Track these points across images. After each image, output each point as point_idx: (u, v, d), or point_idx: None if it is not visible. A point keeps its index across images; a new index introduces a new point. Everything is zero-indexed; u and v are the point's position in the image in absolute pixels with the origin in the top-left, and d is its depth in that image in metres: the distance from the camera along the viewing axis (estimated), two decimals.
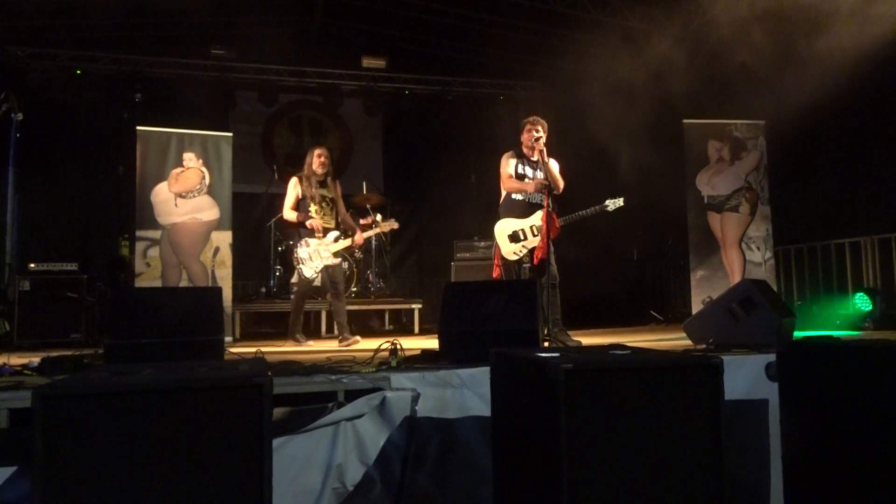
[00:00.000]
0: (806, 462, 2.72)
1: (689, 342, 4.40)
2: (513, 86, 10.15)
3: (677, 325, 6.06)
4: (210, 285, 6.39)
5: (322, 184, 5.82)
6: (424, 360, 3.65)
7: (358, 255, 8.03)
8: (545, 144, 5.17)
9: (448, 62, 9.80)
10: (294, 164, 9.19)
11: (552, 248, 5.03)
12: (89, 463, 1.87)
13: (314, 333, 7.31)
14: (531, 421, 2.33)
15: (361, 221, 7.33)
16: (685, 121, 6.82)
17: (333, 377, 3.08)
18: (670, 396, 2.20)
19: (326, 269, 5.76)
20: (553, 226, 4.97)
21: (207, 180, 6.68)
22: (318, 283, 6.30)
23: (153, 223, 6.48)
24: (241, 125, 9.58)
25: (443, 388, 3.13)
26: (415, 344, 4.61)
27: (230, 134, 7.11)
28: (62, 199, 9.04)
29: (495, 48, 9.36)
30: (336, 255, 5.79)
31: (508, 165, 5.29)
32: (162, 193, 6.54)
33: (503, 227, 5.25)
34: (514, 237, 5.21)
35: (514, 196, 5.26)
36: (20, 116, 5.29)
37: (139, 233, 6.47)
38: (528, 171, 5.27)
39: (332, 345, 5.71)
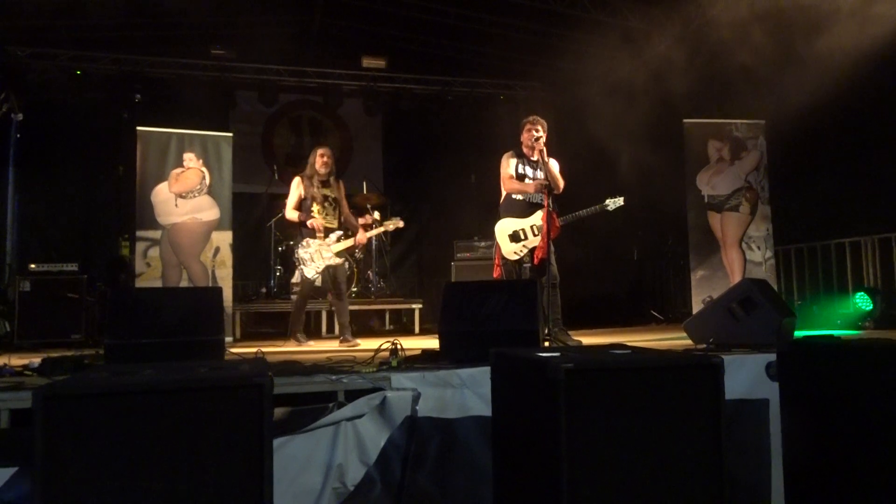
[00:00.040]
0: (806, 462, 2.72)
1: (689, 342, 4.40)
2: (513, 86, 10.15)
3: (677, 324, 6.06)
4: (210, 285, 6.39)
5: (325, 183, 5.79)
6: (425, 360, 3.65)
7: (358, 255, 8.03)
8: (545, 144, 5.18)
9: (448, 62, 9.80)
10: (294, 165, 9.20)
11: (552, 248, 5.03)
12: (89, 463, 1.87)
13: (314, 333, 7.31)
14: (531, 421, 2.33)
15: (360, 221, 7.31)
16: (685, 120, 6.82)
17: (334, 377, 3.08)
18: (671, 396, 2.20)
19: (329, 269, 5.72)
20: (553, 225, 4.98)
21: (207, 180, 6.68)
22: (318, 283, 6.28)
23: (153, 223, 6.48)
24: (241, 125, 9.58)
25: (443, 388, 3.13)
26: (415, 344, 4.61)
27: (230, 134, 7.11)
28: (62, 199, 9.04)
29: (495, 48, 9.36)
30: (339, 254, 5.76)
31: (509, 166, 5.29)
32: (162, 193, 6.54)
33: (504, 227, 5.25)
34: (514, 237, 5.21)
35: (514, 196, 5.26)
36: (20, 116, 5.31)
37: (139, 233, 6.47)
38: (529, 170, 5.27)
39: (332, 345, 5.71)
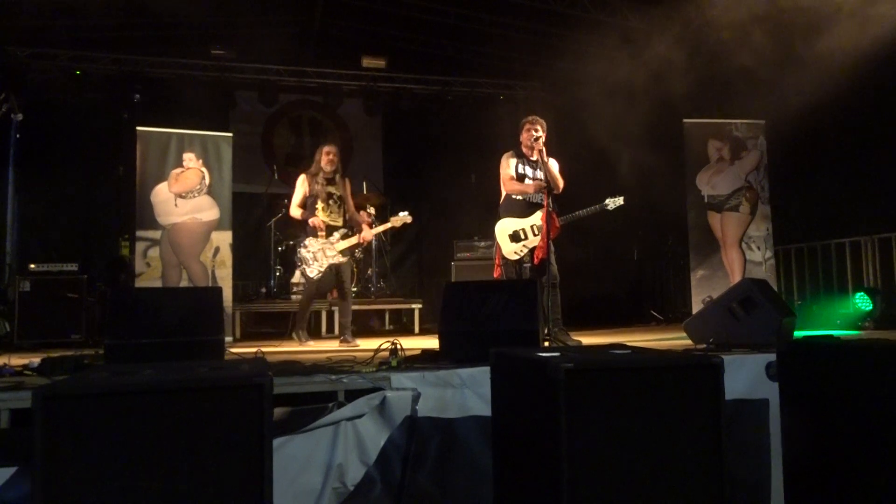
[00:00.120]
0: (806, 462, 2.72)
1: (689, 342, 4.40)
2: (513, 86, 10.15)
3: (677, 324, 6.06)
4: (210, 285, 6.39)
5: (330, 181, 5.75)
6: (425, 359, 3.65)
7: (358, 254, 8.02)
8: (544, 144, 5.18)
9: (448, 62, 9.80)
10: (294, 165, 9.21)
11: (552, 248, 5.03)
12: (89, 463, 1.87)
13: (314, 333, 7.30)
14: (531, 421, 2.33)
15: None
16: (685, 120, 6.82)
17: (334, 377, 3.08)
18: (671, 396, 2.20)
19: (332, 267, 5.66)
20: (553, 225, 4.98)
21: (207, 180, 6.68)
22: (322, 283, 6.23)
23: (153, 223, 6.48)
24: (241, 125, 9.58)
25: (443, 387, 3.13)
26: (415, 344, 4.61)
27: (230, 134, 7.11)
28: (62, 199, 9.04)
29: (495, 48, 9.36)
30: (343, 253, 5.71)
31: (509, 166, 5.29)
32: (162, 193, 6.54)
33: (504, 227, 5.25)
34: (514, 237, 5.21)
35: (514, 196, 5.26)
36: (20, 117, 5.30)
37: (139, 233, 6.47)
38: (529, 170, 5.27)
39: (332, 345, 5.70)
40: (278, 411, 2.81)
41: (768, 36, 6.15)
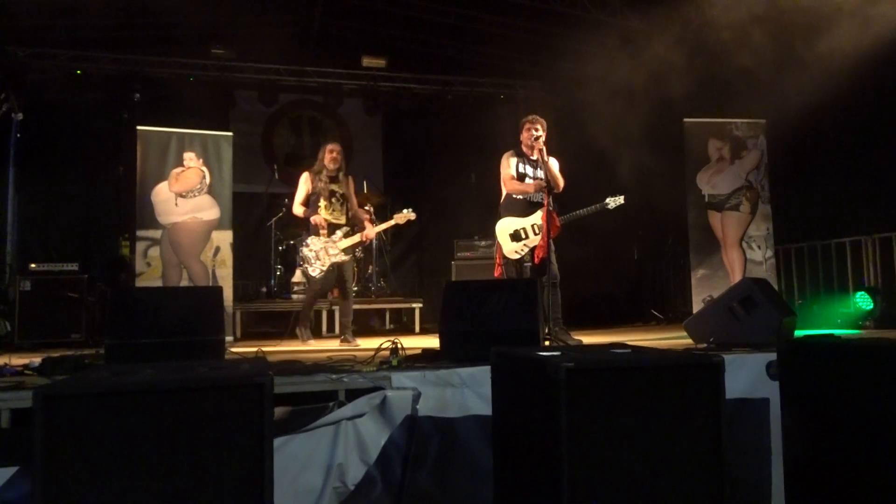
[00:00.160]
0: (807, 461, 2.72)
1: (689, 341, 4.40)
2: (513, 85, 10.15)
3: (678, 324, 6.06)
4: (211, 285, 6.39)
5: (334, 179, 5.73)
6: (425, 359, 3.65)
7: (359, 254, 8.02)
8: (545, 143, 5.18)
9: (448, 62, 9.79)
10: (294, 164, 9.21)
11: (553, 247, 5.04)
12: (89, 463, 1.87)
13: (314, 333, 7.28)
14: (532, 420, 2.33)
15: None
16: (685, 119, 6.83)
17: (334, 376, 3.08)
18: (671, 395, 2.20)
19: (335, 266, 5.64)
20: (554, 224, 4.98)
21: (208, 180, 6.68)
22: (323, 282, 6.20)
23: (153, 223, 6.48)
24: (241, 125, 9.57)
25: (443, 387, 3.13)
26: (415, 343, 4.60)
27: (230, 134, 7.11)
28: (62, 199, 9.04)
29: (495, 48, 9.36)
30: (345, 251, 5.68)
31: (509, 166, 5.29)
32: (162, 193, 6.54)
33: (504, 226, 5.25)
34: (515, 236, 5.21)
35: (514, 195, 5.26)
36: (20, 116, 5.30)
37: (139, 233, 6.47)
38: (529, 169, 5.27)
39: (332, 344, 5.70)
40: (279, 411, 2.82)
41: (768, 36, 6.14)
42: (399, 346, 3.62)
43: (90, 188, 9.12)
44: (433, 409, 3.08)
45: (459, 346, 3.54)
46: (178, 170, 6.61)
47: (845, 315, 6.04)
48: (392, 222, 6.05)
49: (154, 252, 6.44)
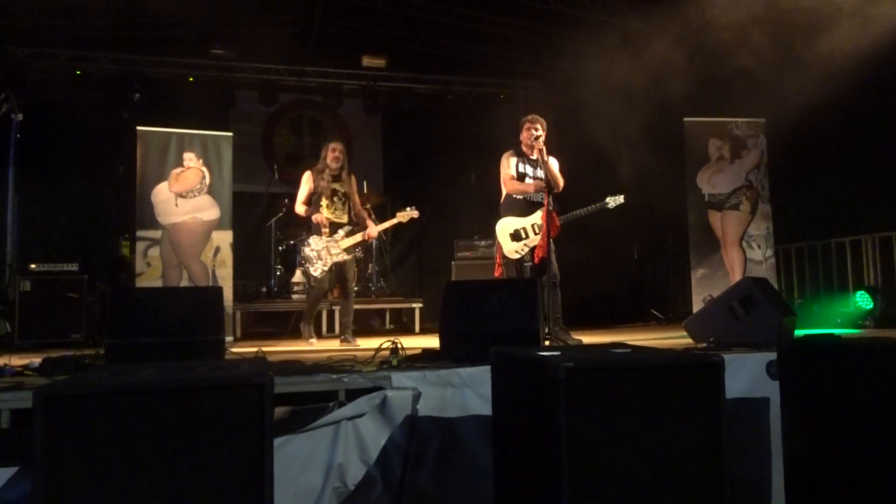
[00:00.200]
0: (807, 461, 2.72)
1: (689, 341, 4.40)
2: (513, 85, 10.15)
3: (678, 323, 6.05)
4: (211, 285, 6.39)
5: (336, 178, 5.71)
6: (425, 359, 3.66)
7: (358, 253, 8.00)
8: (545, 143, 5.18)
9: (448, 62, 9.79)
10: (294, 164, 9.22)
11: (553, 247, 5.04)
12: (89, 463, 1.87)
13: (314, 333, 7.30)
14: (532, 420, 2.33)
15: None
16: (685, 119, 6.82)
17: (334, 376, 3.08)
18: (671, 395, 2.20)
19: (336, 265, 5.61)
20: (554, 224, 4.98)
21: (208, 180, 6.67)
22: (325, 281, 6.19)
23: (153, 223, 6.48)
24: (241, 125, 9.57)
25: (443, 387, 3.14)
26: (415, 343, 4.61)
27: (230, 133, 7.11)
28: (62, 199, 9.04)
29: (495, 48, 9.36)
30: (347, 250, 5.65)
31: (509, 166, 5.29)
32: (162, 193, 6.54)
33: (505, 226, 5.25)
34: (515, 235, 5.21)
35: (514, 195, 5.26)
36: (20, 116, 5.31)
37: (139, 233, 6.47)
38: (529, 169, 5.27)
39: (332, 344, 5.70)
40: (279, 411, 2.82)
41: (768, 36, 6.15)
42: (399, 346, 3.62)
43: (90, 188, 9.13)
44: (433, 409, 3.08)
45: (459, 346, 3.54)
46: (178, 170, 6.61)
47: (845, 314, 6.05)
48: (395, 220, 6.00)
49: (154, 252, 6.44)
